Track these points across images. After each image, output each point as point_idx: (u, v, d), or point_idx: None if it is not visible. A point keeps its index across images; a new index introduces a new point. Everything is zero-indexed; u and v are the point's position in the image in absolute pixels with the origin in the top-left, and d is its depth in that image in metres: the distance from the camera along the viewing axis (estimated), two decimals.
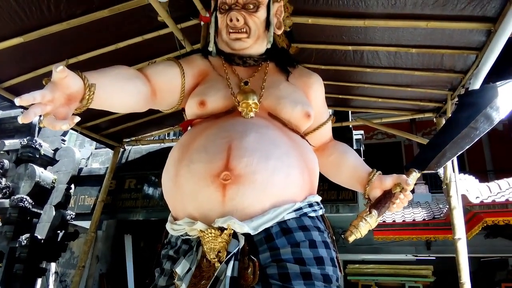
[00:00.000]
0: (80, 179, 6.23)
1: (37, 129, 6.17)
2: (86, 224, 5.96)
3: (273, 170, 1.11)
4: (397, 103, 3.68)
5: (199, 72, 1.47)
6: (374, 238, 7.17)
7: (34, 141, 5.81)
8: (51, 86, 0.89)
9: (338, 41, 2.64)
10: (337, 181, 1.58)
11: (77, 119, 0.92)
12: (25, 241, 5.24)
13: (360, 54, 2.76)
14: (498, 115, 1.42)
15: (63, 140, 6.46)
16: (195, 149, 1.18)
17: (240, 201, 1.07)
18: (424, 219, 6.99)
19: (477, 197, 5.85)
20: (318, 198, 1.29)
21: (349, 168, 1.49)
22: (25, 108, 0.91)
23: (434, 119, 3.77)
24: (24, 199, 5.47)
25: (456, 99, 3.14)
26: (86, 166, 6.48)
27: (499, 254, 7.88)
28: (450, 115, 1.44)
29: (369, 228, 1.29)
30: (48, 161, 6.15)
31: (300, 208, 1.16)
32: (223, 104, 1.33)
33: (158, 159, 5.78)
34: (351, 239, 1.27)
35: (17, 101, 0.83)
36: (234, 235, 1.05)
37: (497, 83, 1.50)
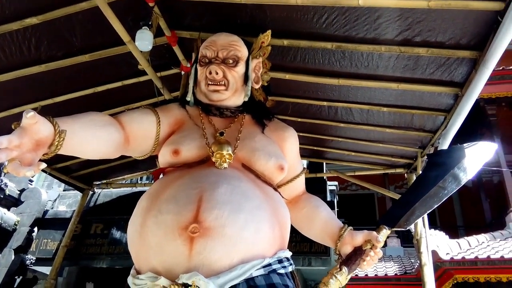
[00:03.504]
0: (44, 222, 5.95)
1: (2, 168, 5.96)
2: (46, 270, 5.62)
3: (243, 224, 1.09)
4: (370, 157, 3.78)
5: (175, 121, 1.48)
6: None
7: (0, 180, 5.58)
8: (20, 131, 0.87)
9: (314, 97, 2.73)
10: (309, 235, 1.57)
11: (43, 165, 0.89)
12: None
13: (335, 109, 2.86)
14: (465, 175, 1.46)
15: (31, 181, 6.23)
16: (165, 199, 1.15)
17: (208, 256, 1.03)
18: (396, 274, 6.97)
19: (447, 253, 5.90)
20: (289, 254, 1.26)
21: (321, 223, 1.48)
22: None
23: (405, 174, 3.87)
24: None
25: (426, 157, 3.25)
26: (52, 208, 6.23)
27: None
28: (420, 173, 1.48)
29: (339, 286, 1.26)
30: (12, 202, 5.88)
31: (269, 265, 1.13)
32: (197, 154, 1.32)
33: (128, 203, 5.51)
34: None
35: None
36: None
37: (465, 144, 1.56)
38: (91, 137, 1.16)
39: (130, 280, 1.17)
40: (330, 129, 3.28)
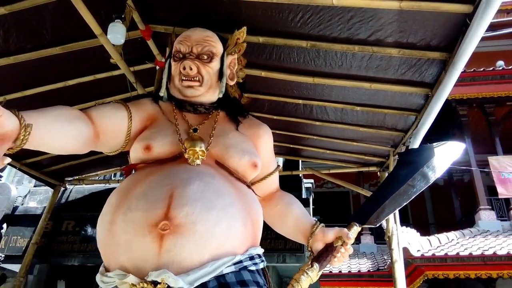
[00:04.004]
0: (14, 219, 5.77)
1: None
2: (16, 267, 5.47)
3: (215, 221, 1.08)
4: (344, 155, 3.83)
5: (147, 116, 1.45)
6: None
7: None
8: None
9: (290, 95, 2.75)
10: (282, 232, 1.57)
11: (8, 160, 0.87)
12: None
13: (310, 108, 2.88)
14: (434, 174, 1.49)
15: (0, 176, 6.04)
16: (135, 196, 1.13)
17: (178, 253, 1.02)
18: (369, 270, 7.10)
19: (418, 250, 6.05)
20: (260, 251, 1.26)
21: (293, 220, 1.49)
22: None
23: (378, 172, 3.95)
24: None
25: (397, 155, 3.32)
26: (22, 204, 6.05)
27: None
28: (391, 170, 1.51)
29: (310, 282, 1.27)
30: None
31: (240, 261, 1.13)
32: (169, 150, 1.31)
33: (101, 200, 5.33)
34: None
35: None
36: None
37: (434, 144, 1.60)
38: (58, 132, 1.13)
39: (98, 277, 1.15)
40: (306, 127, 3.31)
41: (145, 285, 0.99)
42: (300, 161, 5.36)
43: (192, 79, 1.45)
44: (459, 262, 5.96)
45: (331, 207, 11.34)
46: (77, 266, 5.40)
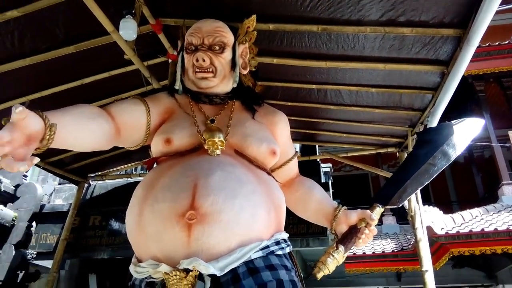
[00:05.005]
0: (42, 216, 5.96)
1: None
2: (48, 263, 5.64)
3: (239, 209, 1.11)
4: (361, 138, 3.80)
5: (165, 110, 1.47)
6: (346, 271, 7.17)
7: None
8: (10, 126, 0.87)
9: (303, 80, 2.73)
10: (304, 217, 1.59)
11: (36, 160, 0.89)
12: None
13: (324, 92, 2.87)
14: (454, 152, 1.48)
15: (25, 176, 6.21)
16: (160, 188, 1.17)
17: (206, 241, 1.05)
18: (393, 251, 7.07)
19: (442, 228, 5.99)
20: (285, 235, 1.28)
21: (315, 204, 1.50)
22: None
23: (397, 153, 3.91)
24: None
25: (415, 135, 3.28)
26: (48, 202, 6.23)
27: (466, 284, 8.02)
28: (411, 150, 1.51)
29: (336, 264, 1.30)
30: (8, 198, 5.86)
31: (267, 247, 1.15)
32: (188, 142, 1.33)
33: (125, 194, 5.54)
34: (319, 275, 1.28)
35: None
36: (200, 276, 1.03)
37: (453, 121, 1.58)
38: (82, 130, 1.16)
39: (132, 268, 1.19)
40: (321, 112, 3.29)
41: (178, 273, 1.02)
42: (317, 146, 5.34)
43: (206, 70, 1.46)
44: (484, 238, 5.89)
45: (350, 190, 11.27)
46: (106, 259, 5.56)
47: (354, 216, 1.34)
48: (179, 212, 1.07)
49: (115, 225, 5.56)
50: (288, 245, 1.27)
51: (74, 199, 4.76)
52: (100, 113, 1.28)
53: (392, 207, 1.45)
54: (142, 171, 5.61)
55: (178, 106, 1.49)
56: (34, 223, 5.88)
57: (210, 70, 1.47)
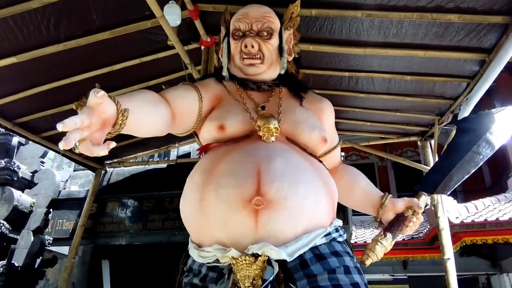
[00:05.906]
0: (58, 203, 5.98)
1: (15, 150, 5.91)
2: (62, 249, 5.73)
3: (303, 195, 1.11)
4: (384, 126, 3.79)
5: (214, 96, 1.46)
6: None
7: (12, 163, 5.53)
8: (88, 111, 0.85)
9: (336, 67, 2.71)
10: (347, 204, 1.60)
11: (113, 144, 0.89)
12: (1, 269, 4.93)
13: (356, 80, 2.85)
14: (498, 140, 1.47)
15: (42, 162, 6.21)
16: (221, 173, 1.16)
17: (273, 227, 1.05)
18: (403, 239, 7.11)
19: (457, 217, 6.02)
20: (340, 223, 1.29)
21: (361, 192, 1.51)
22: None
23: (419, 142, 3.89)
24: (1, 224, 5.17)
25: (443, 124, 3.26)
26: (64, 189, 6.26)
27: (472, 272, 8.11)
28: (451, 140, 1.49)
29: (384, 251, 1.31)
30: (25, 184, 5.88)
31: (329, 233, 1.16)
32: (242, 128, 1.32)
33: (142, 181, 5.64)
34: (368, 262, 1.29)
35: (60, 127, 0.79)
36: (268, 262, 1.03)
37: (493, 110, 1.56)
38: (147, 115, 1.15)
39: (194, 253, 1.18)
40: (348, 100, 3.27)
41: (247, 258, 1.02)
42: None
43: (254, 57, 1.45)
44: (498, 227, 5.95)
45: None
46: (120, 245, 5.60)
47: (401, 204, 1.35)
48: (246, 197, 1.07)
49: (134, 211, 5.58)
50: (344, 232, 1.28)
51: (92, 186, 4.76)
52: (159, 98, 1.26)
53: (437, 195, 1.44)
54: (159, 159, 5.61)
55: (227, 93, 1.47)
56: (51, 210, 5.92)
57: (258, 56, 1.45)
